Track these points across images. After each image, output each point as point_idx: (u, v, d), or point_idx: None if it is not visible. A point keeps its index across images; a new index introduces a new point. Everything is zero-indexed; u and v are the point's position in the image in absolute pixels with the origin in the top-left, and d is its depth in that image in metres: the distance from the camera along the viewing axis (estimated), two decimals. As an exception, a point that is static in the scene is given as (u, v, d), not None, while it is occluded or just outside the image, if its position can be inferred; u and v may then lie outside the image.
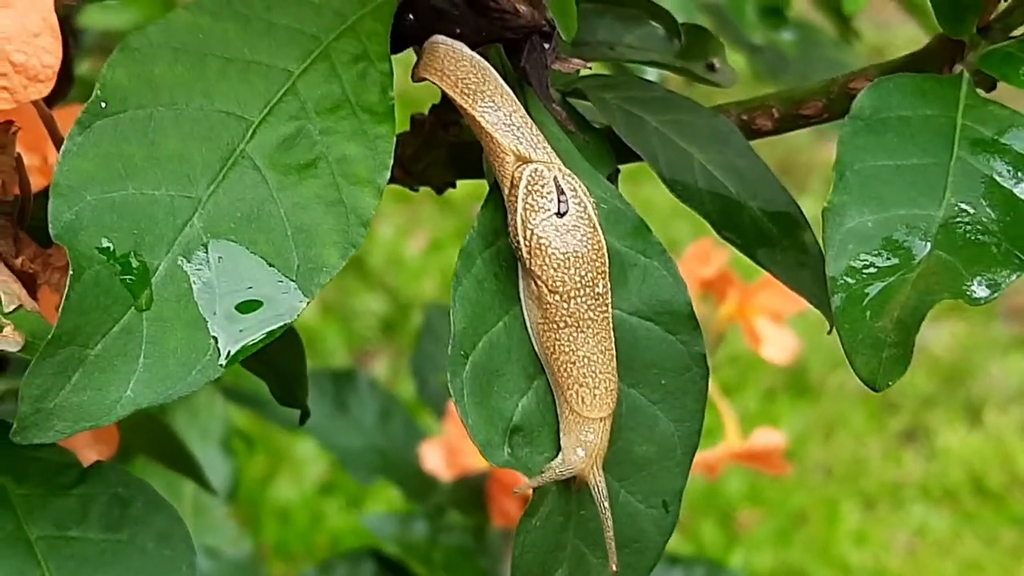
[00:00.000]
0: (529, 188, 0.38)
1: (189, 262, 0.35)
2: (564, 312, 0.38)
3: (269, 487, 1.83)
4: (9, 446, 0.41)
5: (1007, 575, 1.84)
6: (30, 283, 0.39)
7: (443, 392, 0.91)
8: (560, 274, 0.38)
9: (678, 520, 0.40)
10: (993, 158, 0.37)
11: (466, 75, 0.39)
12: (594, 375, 0.39)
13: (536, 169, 0.39)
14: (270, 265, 0.36)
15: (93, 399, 0.34)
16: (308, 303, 0.36)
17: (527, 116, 0.39)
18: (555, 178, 0.38)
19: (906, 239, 0.35)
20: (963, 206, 0.36)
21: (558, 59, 0.38)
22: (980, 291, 0.34)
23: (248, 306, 0.36)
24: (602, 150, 0.42)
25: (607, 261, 0.39)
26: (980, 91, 0.39)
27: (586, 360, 0.39)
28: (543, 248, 0.38)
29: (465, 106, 0.39)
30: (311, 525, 1.78)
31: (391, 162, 0.37)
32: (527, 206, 0.38)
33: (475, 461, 0.83)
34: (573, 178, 0.39)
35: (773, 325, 0.81)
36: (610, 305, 0.39)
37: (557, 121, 0.40)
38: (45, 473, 0.41)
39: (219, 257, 0.36)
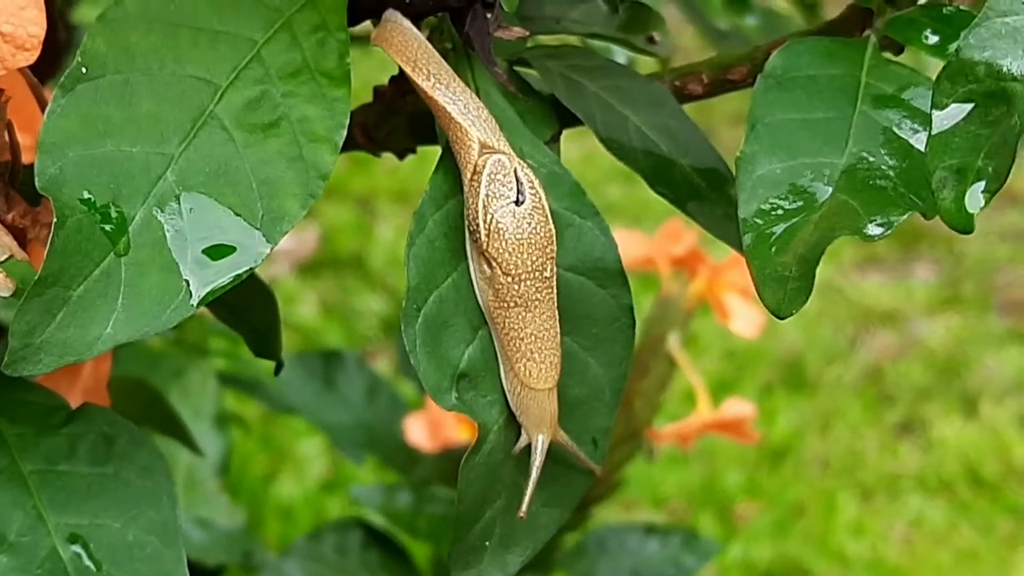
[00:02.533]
0: (491, 176, 0.42)
1: (163, 212, 0.39)
2: (515, 293, 0.42)
3: (272, 485, 1.85)
4: (4, 390, 0.45)
5: (1003, 564, 1.86)
6: (20, 237, 0.42)
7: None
8: (514, 258, 0.41)
9: (606, 455, 0.44)
10: (893, 112, 0.40)
11: (420, 56, 0.43)
12: (540, 351, 0.42)
13: (499, 160, 0.42)
14: (237, 215, 0.39)
15: (76, 335, 0.38)
16: (272, 248, 0.39)
17: (478, 99, 0.43)
18: (515, 169, 0.42)
19: (811, 184, 0.39)
20: (864, 155, 0.39)
21: (500, 27, 0.42)
22: (875, 230, 0.38)
23: (217, 252, 0.39)
24: (545, 114, 0.45)
25: (556, 249, 0.42)
26: (888, 55, 0.43)
27: (533, 337, 0.42)
28: (501, 233, 0.41)
29: (427, 90, 0.42)
30: (313, 522, 1.81)
31: (347, 121, 0.40)
32: (489, 193, 0.42)
33: (456, 434, 0.87)
34: (529, 170, 0.42)
35: (742, 300, 0.85)
36: (555, 288, 0.42)
37: (500, 89, 0.44)
38: (36, 415, 0.44)
39: (190, 208, 0.39)
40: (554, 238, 0.42)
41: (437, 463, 0.88)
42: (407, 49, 0.43)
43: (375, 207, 2.46)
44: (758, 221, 0.38)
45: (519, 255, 0.42)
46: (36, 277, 0.37)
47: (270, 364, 0.55)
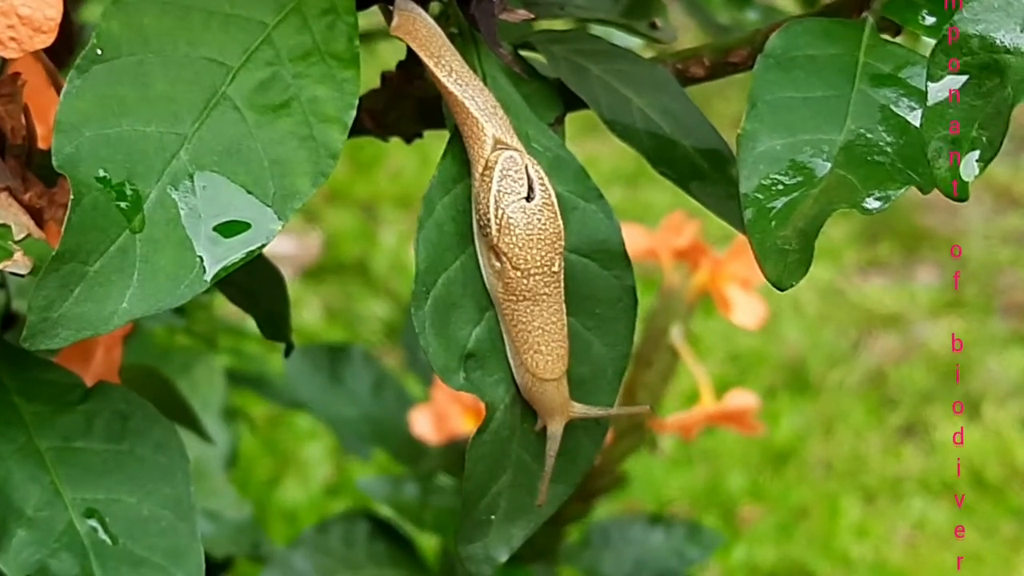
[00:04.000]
0: (504, 172, 0.43)
1: (177, 190, 0.39)
2: (524, 287, 0.43)
3: (276, 489, 1.86)
4: (21, 370, 0.46)
5: (1006, 566, 1.86)
6: (37, 217, 0.43)
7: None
8: (524, 253, 0.42)
9: (607, 431, 0.45)
10: (890, 90, 0.41)
11: (443, 51, 0.44)
12: (547, 343, 0.43)
13: (511, 156, 0.43)
14: (249, 193, 0.40)
15: (93, 310, 0.38)
16: (283, 226, 0.40)
17: (492, 95, 0.44)
18: (526, 165, 0.43)
19: (810, 160, 0.40)
20: (862, 131, 0.40)
21: (505, 10, 0.43)
22: (873, 203, 0.39)
23: (230, 228, 0.40)
24: (549, 97, 0.46)
25: (564, 244, 0.43)
26: (886, 36, 0.44)
27: (541, 330, 0.43)
28: (511, 228, 0.42)
29: (447, 84, 0.43)
30: (318, 526, 1.81)
31: (356, 102, 0.41)
32: (501, 188, 0.42)
33: (461, 426, 0.88)
34: (539, 167, 0.43)
35: (743, 292, 0.85)
36: (563, 282, 0.43)
37: (505, 72, 0.45)
38: (53, 392, 0.45)
39: (203, 186, 0.40)
40: (563, 234, 0.43)
41: (443, 455, 0.89)
42: (431, 43, 0.44)
43: (378, 213, 2.47)
44: (759, 196, 0.39)
45: (529, 250, 0.42)
46: (53, 253, 0.38)
47: (276, 361, 0.56)
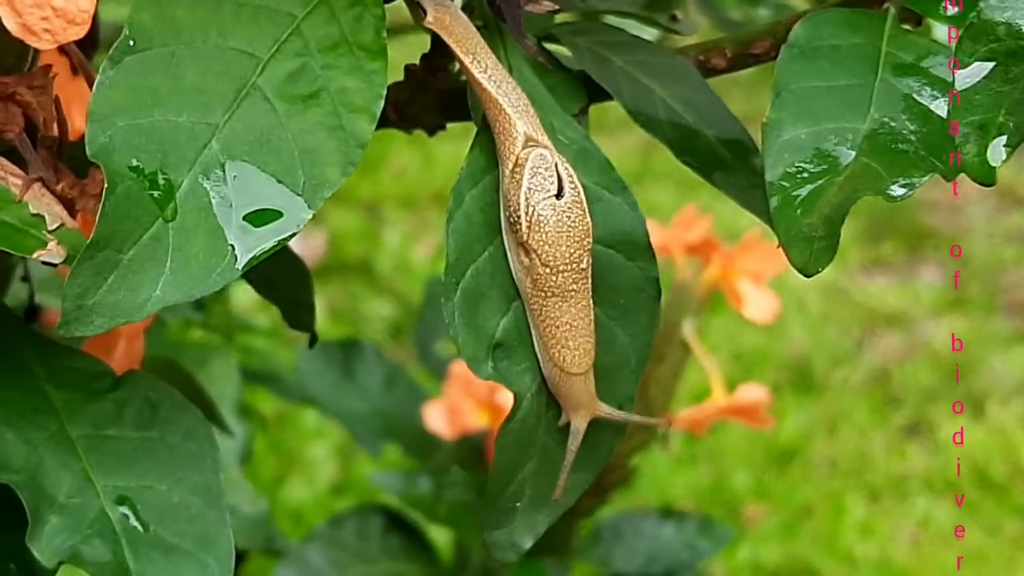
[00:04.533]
0: (534, 170, 0.43)
1: (208, 180, 0.40)
2: (552, 283, 0.43)
3: (282, 488, 1.87)
4: (51, 358, 0.46)
5: (1010, 564, 1.86)
6: (69, 207, 0.44)
7: (443, 358, 0.96)
8: (553, 250, 0.43)
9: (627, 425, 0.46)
10: (913, 80, 0.42)
11: (478, 48, 0.44)
12: (575, 338, 0.44)
13: (541, 154, 0.43)
14: (280, 182, 0.40)
15: (127, 298, 0.39)
16: (313, 214, 0.41)
17: (524, 94, 0.44)
18: (556, 164, 0.43)
19: (835, 148, 0.40)
20: (885, 120, 0.41)
21: (530, 1, 0.43)
22: (898, 191, 0.39)
23: (261, 217, 0.40)
24: (573, 87, 0.47)
25: (592, 241, 0.44)
26: (907, 26, 0.45)
27: (568, 325, 0.44)
28: (541, 225, 0.43)
29: (482, 81, 0.44)
30: (324, 526, 1.81)
31: (384, 92, 0.42)
32: (531, 186, 0.43)
33: (475, 421, 0.88)
34: (568, 165, 0.44)
35: (754, 287, 0.86)
36: (590, 279, 0.44)
37: (530, 63, 0.46)
38: (83, 380, 0.46)
39: (235, 175, 0.40)
40: (591, 231, 0.44)
41: (456, 450, 0.89)
42: (467, 40, 0.44)
43: (382, 213, 2.48)
44: (784, 184, 0.40)
45: (558, 247, 0.43)
46: (88, 242, 0.39)
47: (285, 358, 0.56)
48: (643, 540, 0.91)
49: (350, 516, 0.86)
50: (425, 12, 0.44)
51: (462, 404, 0.88)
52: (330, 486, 1.89)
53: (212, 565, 0.44)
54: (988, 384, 2.16)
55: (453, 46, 0.43)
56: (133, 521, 0.44)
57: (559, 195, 0.43)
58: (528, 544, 0.46)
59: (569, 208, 0.43)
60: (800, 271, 0.39)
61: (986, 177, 0.34)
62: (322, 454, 1.91)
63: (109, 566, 0.43)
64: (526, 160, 0.43)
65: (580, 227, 0.43)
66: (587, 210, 0.43)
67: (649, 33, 0.61)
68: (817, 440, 2.07)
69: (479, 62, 0.44)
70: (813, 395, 2.15)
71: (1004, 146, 0.33)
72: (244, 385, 1.07)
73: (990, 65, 0.34)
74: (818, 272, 0.38)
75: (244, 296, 1.57)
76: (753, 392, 0.87)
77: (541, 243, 0.43)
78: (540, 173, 0.43)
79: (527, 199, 0.43)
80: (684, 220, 0.88)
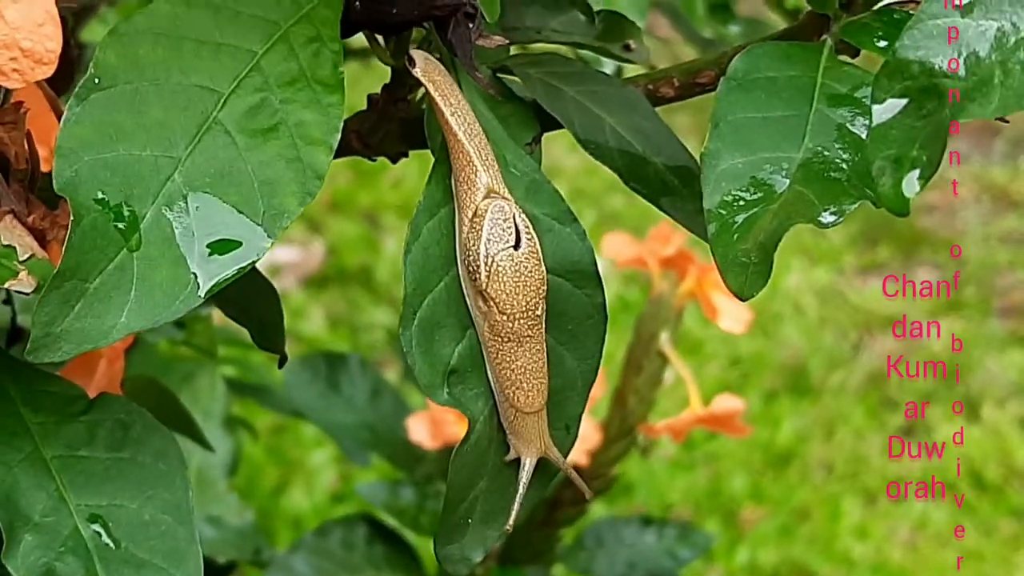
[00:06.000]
0: (493, 221, 0.45)
1: (171, 211, 0.41)
2: (509, 329, 0.45)
3: (282, 497, 1.88)
4: (26, 382, 0.48)
5: (1006, 565, 1.87)
6: (40, 238, 0.45)
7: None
8: (510, 299, 0.45)
9: (577, 439, 0.48)
10: (846, 110, 0.44)
11: (459, 103, 0.46)
12: (528, 380, 0.46)
13: (500, 206, 0.45)
14: (240, 212, 0.42)
15: (93, 325, 0.40)
16: (272, 243, 0.43)
17: (488, 143, 0.46)
18: (514, 215, 0.45)
19: (770, 177, 0.42)
20: (819, 149, 0.43)
21: (482, 36, 0.45)
22: (828, 218, 0.41)
23: (222, 246, 0.42)
24: (526, 118, 0.49)
25: (547, 290, 0.46)
26: (845, 57, 0.46)
27: (523, 368, 0.46)
28: (500, 275, 0.45)
29: (457, 133, 0.46)
30: (324, 533, 1.82)
31: (340, 125, 0.44)
32: (491, 237, 0.45)
33: (457, 432, 0.90)
34: (524, 216, 0.46)
35: (728, 299, 0.88)
36: (544, 324, 0.46)
37: (482, 96, 0.47)
38: (57, 404, 0.47)
39: (197, 206, 0.42)
40: (546, 280, 0.46)
41: (439, 461, 0.91)
42: (450, 95, 0.46)
43: (381, 221, 2.49)
44: (721, 212, 0.42)
45: (515, 296, 0.45)
46: (55, 272, 0.40)
47: (279, 371, 0.58)
48: (624, 547, 0.93)
49: (336, 526, 0.88)
50: (413, 62, 0.46)
51: (445, 416, 0.90)
52: (330, 494, 1.90)
53: (182, 580, 0.45)
54: (983, 386, 2.17)
55: (437, 98, 0.45)
56: (105, 538, 0.45)
57: (516, 246, 0.45)
58: (479, 558, 0.48)
59: (526, 259, 0.45)
60: (736, 295, 0.40)
61: (901, 208, 0.35)
62: (322, 462, 1.92)
63: (82, 582, 0.45)
64: (486, 211, 0.45)
65: (536, 276, 0.45)
66: (542, 260, 0.46)
67: (608, 65, 0.63)
68: (814, 443, 2.08)
69: (458, 115, 0.46)
70: (810, 398, 2.16)
71: (918, 179, 0.35)
72: (239, 398, 1.09)
73: (904, 102, 0.35)
74: (752, 296, 0.40)
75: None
76: (729, 402, 0.89)
77: (499, 292, 0.45)
78: (499, 224, 0.45)
79: (487, 250, 0.45)
80: (660, 235, 0.90)
